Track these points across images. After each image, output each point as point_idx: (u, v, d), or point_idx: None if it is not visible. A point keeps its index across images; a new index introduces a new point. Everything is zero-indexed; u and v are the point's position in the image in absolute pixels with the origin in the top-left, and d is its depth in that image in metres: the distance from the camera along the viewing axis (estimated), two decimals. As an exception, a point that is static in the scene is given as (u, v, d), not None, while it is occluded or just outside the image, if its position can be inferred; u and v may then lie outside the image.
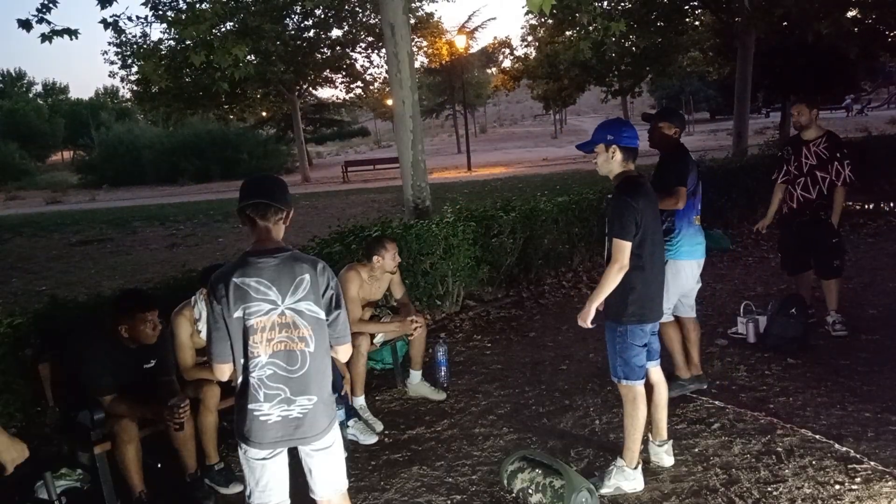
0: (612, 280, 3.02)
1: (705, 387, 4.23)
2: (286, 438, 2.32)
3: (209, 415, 3.52)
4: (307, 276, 2.26)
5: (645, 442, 3.33)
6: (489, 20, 68.79)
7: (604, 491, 3.18)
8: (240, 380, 2.30)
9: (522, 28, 34.72)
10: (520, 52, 34.00)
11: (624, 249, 2.98)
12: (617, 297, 3.09)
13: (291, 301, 2.26)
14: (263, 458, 2.34)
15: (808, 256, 5.16)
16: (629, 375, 3.15)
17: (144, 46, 19.01)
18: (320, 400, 2.33)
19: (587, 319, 3.13)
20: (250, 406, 2.27)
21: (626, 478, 3.21)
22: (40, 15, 6.19)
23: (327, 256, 5.19)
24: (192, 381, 3.63)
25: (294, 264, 2.26)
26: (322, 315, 2.32)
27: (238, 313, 2.22)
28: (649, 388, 3.30)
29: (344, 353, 2.46)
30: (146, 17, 9.81)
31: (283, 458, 2.39)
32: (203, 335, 3.69)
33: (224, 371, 2.32)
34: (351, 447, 3.83)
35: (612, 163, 3.11)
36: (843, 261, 5.13)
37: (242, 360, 2.27)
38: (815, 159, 4.86)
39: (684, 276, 3.99)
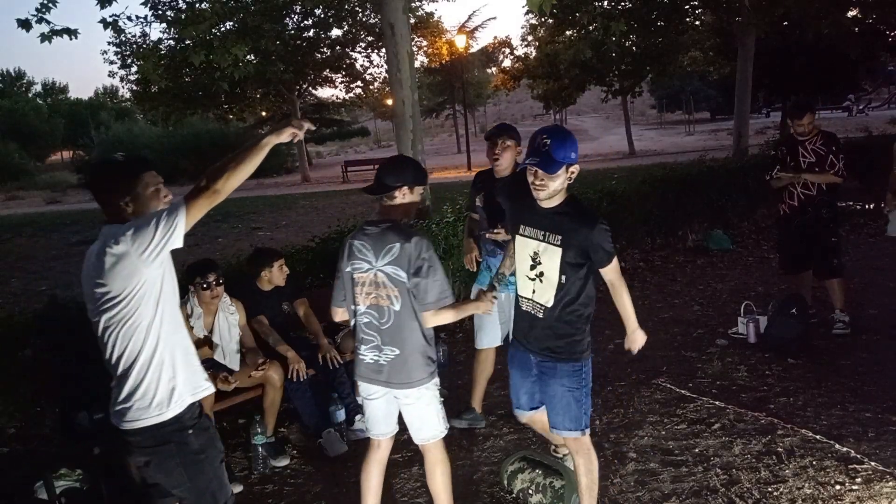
0: (629, 298, 2.77)
1: (482, 425, 4.02)
2: (374, 379, 2.71)
3: None
4: (397, 245, 2.58)
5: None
6: (489, 20, 68.60)
7: None
8: (353, 323, 2.76)
9: (522, 28, 34.93)
10: (520, 51, 33.90)
11: (618, 268, 2.72)
12: (575, 331, 2.67)
13: (381, 264, 2.61)
14: (367, 398, 2.77)
15: (807, 256, 5.16)
16: (587, 422, 2.72)
17: (144, 46, 18.99)
18: (403, 354, 2.64)
19: (642, 340, 2.82)
20: (356, 345, 2.75)
21: None
22: (40, 15, 6.20)
23: (328, 256, 5.18)
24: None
25: (388, 234, 2.61)
26: (406, 280, 2.58)
27: (348, 268, 2.71)
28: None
29: (428, 319, 2.63)
30: (146, 17, 9.81)
31: (383, 402, 2.76)
32: (196, 330, 3.72)
33: (336, 313, 2.83)
34: (353, 445, 3.85)
35: (566, 184, 2.59)
36: (842, 260, 5.11)
37: (353, 307, 2.72)
38: (813, 156, 4.88)
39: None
